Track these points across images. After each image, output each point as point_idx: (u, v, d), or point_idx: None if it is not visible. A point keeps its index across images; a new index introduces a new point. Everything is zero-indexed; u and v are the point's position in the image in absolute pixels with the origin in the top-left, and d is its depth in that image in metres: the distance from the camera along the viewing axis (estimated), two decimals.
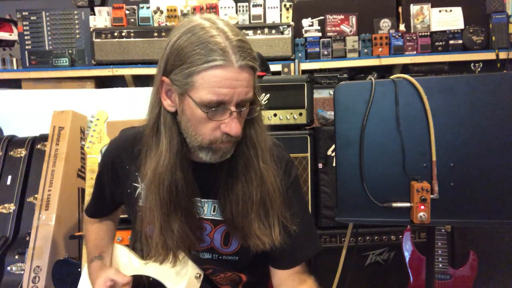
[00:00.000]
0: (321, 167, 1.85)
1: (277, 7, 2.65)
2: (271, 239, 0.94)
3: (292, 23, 2.59)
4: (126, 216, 1.14)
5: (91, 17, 2.62)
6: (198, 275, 1.02)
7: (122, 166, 1.03)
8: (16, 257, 1.96)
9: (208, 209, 1.00)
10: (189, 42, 0.80)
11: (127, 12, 2.59)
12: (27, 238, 1.97)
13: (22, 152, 2.24)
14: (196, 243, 0.99)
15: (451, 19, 2.63)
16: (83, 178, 2.14)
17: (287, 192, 0.99)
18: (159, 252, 0.95)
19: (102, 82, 2.74)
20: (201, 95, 0.80)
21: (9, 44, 2.77)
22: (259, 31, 2.56)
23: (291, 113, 1.81)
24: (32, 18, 2.62)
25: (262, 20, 2.65)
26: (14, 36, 2.73)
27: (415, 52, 2.60)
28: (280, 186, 0.96)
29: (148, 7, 2.62)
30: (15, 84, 2.71)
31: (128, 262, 1.14)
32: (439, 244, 1.68)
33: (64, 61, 2.59)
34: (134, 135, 1.02)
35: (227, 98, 0.80)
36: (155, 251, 0.95)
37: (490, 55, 2.55)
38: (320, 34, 2.64)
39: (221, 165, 0.93)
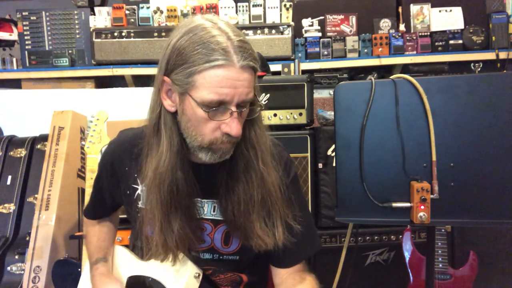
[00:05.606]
0: (321, 167, 1.84)
1: (277, 7, 2.65)
2: (274, 239, 0.94)
3: (292, 23, 2.59)
4: (126, 216, 1.14)
5: (91, 17, 2.62)
6: (197, 274, 1.02)
7: (121, 167, 1.03)
8: (16, 257, 1.96)
9: (208, 209, 1.00)
10: (191, 41, 0.80)
11: (127, 12, 2.60)
12: (27, 238, 1.97)
13: (22, 152, 2.24)
14: (196, 243, 0.99)
15: (451, 19, 2.63)
16: (83, 178, 2.14)
17: (286, 191, 0.99)
18: (159, 252, 0.95)
19: (102, 82, 2.74)
20: (202, 94, 0.80)
21: (9, 44, 2.76)
22: (259, 31, 2.56)
23: (291, 113, 1.81)
24: (32, 18, 2.62)
25: (262, 20, 2.65)
26: (14, 36, 2.73)
27: (415, 52, 2.60)
28: (282, 186, 0.96)
29: (148, 7, 2.61)
30: (15, 84, 2.71)
31: (127, 263, 1.14)
32: (439, 244, 1.68)
33: (64, 61, 2.59)
34: (133, 136, 1.02)
35: (228, 98, 0.80)
36: (155, 250, 0.95)
37: (490, 55, 2.55)
38: (320, 34, 2.64)
39: (221, 166, 0.93)
